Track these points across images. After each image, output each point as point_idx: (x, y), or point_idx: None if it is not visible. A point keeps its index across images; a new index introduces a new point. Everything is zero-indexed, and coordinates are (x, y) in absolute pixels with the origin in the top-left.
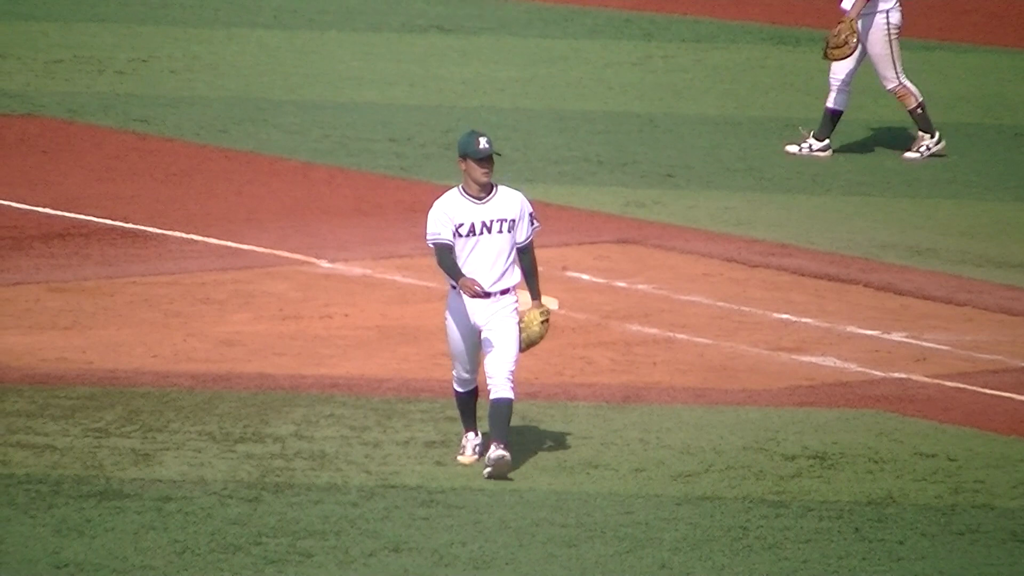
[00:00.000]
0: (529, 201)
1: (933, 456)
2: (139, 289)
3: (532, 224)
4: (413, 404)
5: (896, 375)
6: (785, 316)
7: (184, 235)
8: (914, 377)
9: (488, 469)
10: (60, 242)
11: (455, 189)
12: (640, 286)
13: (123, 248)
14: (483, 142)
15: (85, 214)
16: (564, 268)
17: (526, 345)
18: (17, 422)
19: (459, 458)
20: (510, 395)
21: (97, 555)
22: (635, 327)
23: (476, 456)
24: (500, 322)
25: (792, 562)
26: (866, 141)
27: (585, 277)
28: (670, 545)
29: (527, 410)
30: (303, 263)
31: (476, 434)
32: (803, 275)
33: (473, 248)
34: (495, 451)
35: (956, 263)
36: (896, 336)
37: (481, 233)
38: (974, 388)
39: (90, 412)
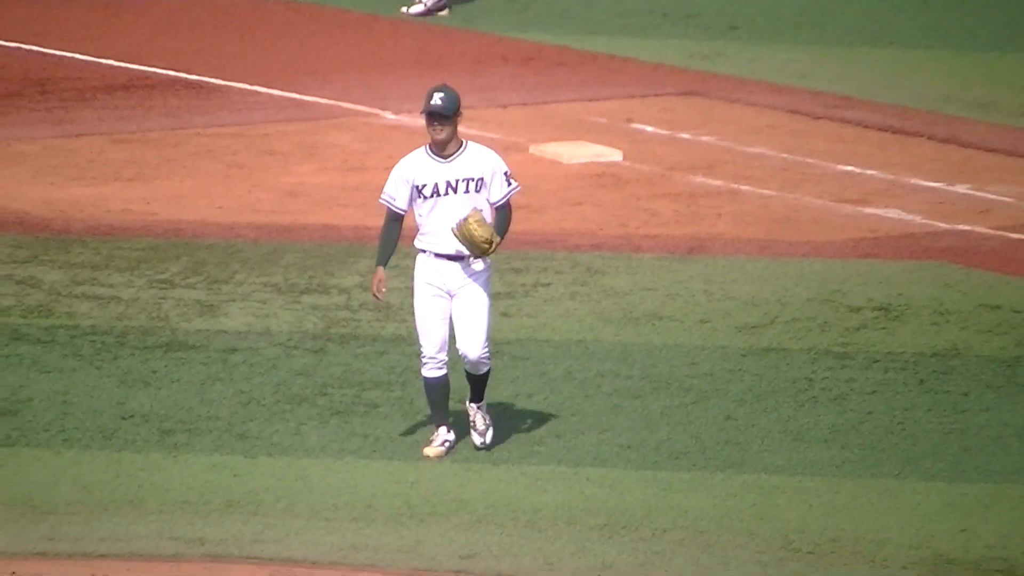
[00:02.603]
0: (503, 160)
1: (998, 308)
2: (203, 141)
3: (508, 184)
4: None
5: (960, 227)
6: (849, 168)
7: (248, 87)
8: (978, 229)
9: (479, 442)
10: (124, 94)
11: (422, 148)
12: (704, 138)
13: (187, 100)
14: (435, 98)
15: (148, 66)
16: (629, 120)
17: (468, 243)
18: (82, 274)
19: (426, 449)
20: (486, 369)
21: (162, 406)
22: (699, 179)
23: (444, 450)
24: (472, 293)
25: (857, 413)
26: None
27: (649, 129)
28: (735, 397)
29: (592, 261)
30: (367, 114)
31: (448, 430)
32: (866, 127)
33: (437, 208)
34: (481, 428)
35: (1018, 116)
36: (960, 188)
37: (446, 193)
38: None
39: (155, 264)
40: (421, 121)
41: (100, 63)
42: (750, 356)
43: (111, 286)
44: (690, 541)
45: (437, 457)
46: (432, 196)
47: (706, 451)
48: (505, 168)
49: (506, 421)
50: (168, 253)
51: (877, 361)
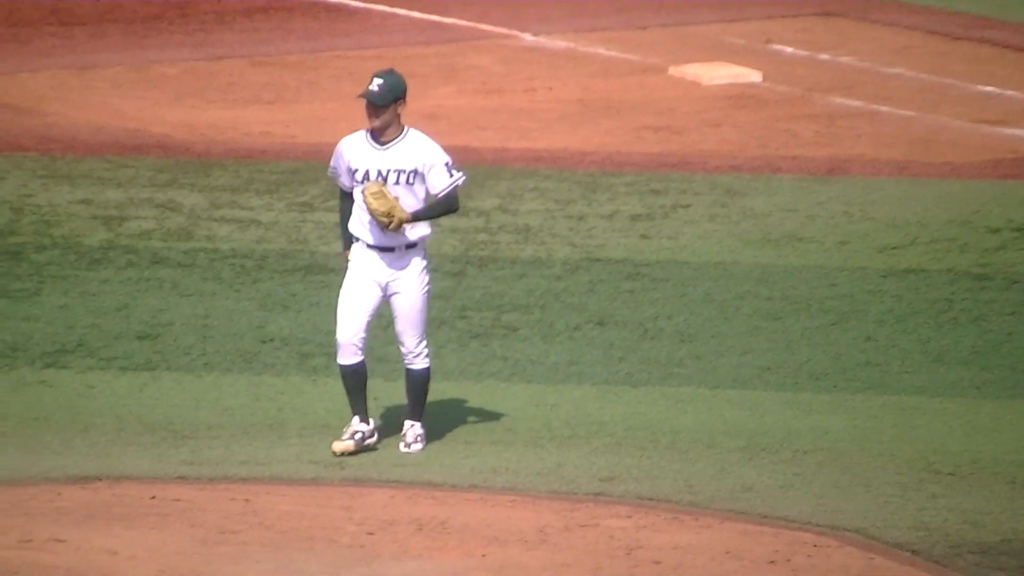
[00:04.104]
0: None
1: None
2: (343, 63)
3: (451, 175)
4: (617, 177)
5: None
6: (988, 89)
7: (387, 9)
8: None
9: (404, 450)
10: (263, 16)
11: (363, 130)
12: (843, 59)
13: (326, 22)
14: (373, 83)
15: None
16: (767, 41)
17: (376, 213)
18: (222, 197)
19: (334, 444)
20: (424, 365)
21: (302, 329)
22: (838, 99)
23: (353, 445)
24: (406, 285)
25: (997, 334)
26: None
27: (788, 50)
28: (875, 317)
29: (731, 182)
30: (507, 36)
31: (362, 420)
32: (1006, 48)
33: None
34: (411, 439)
35: None
36: None
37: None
38: None
39: (294, 186)
40: (561, 43)
41: None
42: (890, 277)
43: (251, 209)
44: (830, 463)
45: (343, 452)
46: (363, 182)
47: (846, 372)
48: (446, 159)
49: (646, 343)
50: (307, 176)
51: (1016, 282)
